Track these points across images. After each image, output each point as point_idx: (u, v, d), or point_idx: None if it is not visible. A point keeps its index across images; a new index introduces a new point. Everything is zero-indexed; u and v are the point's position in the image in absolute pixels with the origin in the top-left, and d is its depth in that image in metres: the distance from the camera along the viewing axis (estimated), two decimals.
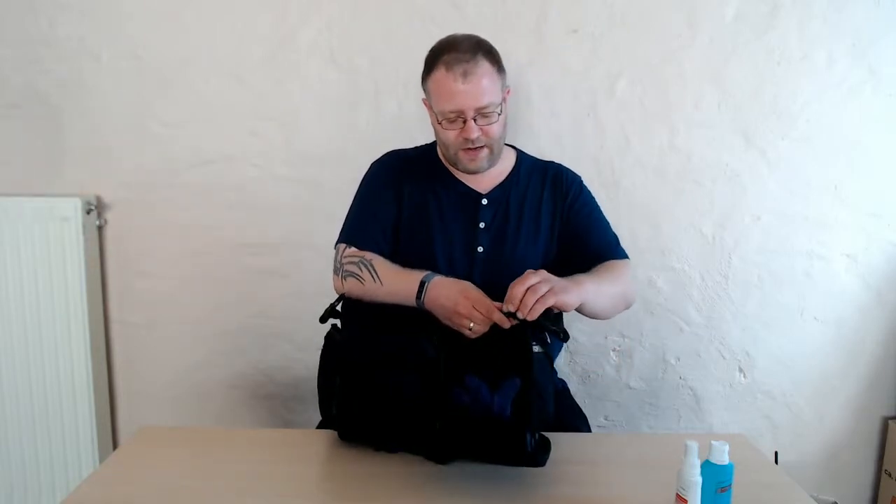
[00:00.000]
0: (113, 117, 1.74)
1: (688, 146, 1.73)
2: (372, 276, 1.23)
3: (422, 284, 1.17)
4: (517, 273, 1.29)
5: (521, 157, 1.43)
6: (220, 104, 1.73)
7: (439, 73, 1.25)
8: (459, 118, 1.25)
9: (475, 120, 1.25)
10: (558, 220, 1.38)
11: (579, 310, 1.19)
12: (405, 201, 1.35)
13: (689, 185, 1.75)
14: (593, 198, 1.44)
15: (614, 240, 1.41)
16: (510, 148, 1.43)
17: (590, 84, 1.70)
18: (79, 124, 1.74)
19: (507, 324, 1.06)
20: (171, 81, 1.72)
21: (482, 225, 1.34)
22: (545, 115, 1.72)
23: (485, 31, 1.34)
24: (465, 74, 1.22)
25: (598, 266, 1.31)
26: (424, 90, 1.33)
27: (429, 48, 1.67)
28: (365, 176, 1.42)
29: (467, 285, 1.14)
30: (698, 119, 1.71)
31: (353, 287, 1.26)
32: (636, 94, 1.70)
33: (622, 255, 1.39)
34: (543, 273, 1.09)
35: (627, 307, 1.36)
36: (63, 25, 1.70)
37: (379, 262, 1.25)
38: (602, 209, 1.74)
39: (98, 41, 1.70)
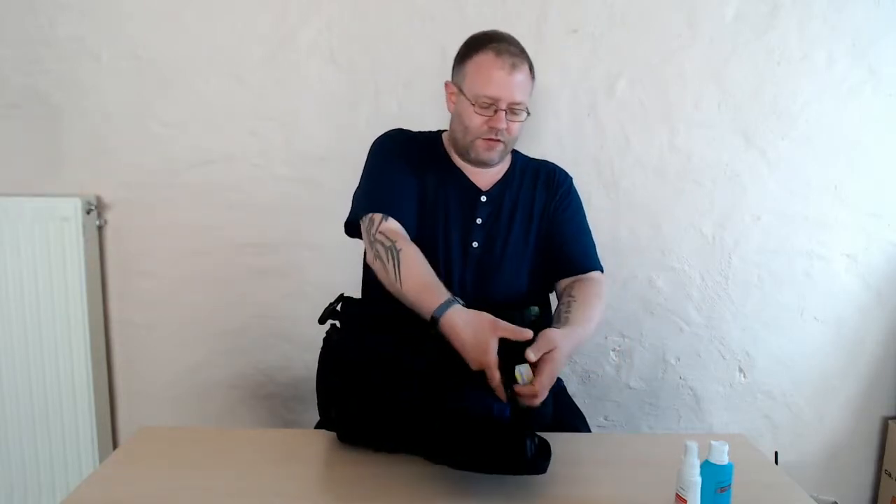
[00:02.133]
0: (113, 117, 1.74)
1: (688, 146, 1.73)
2: (395, 272, 1.18)
3: (434, 320, 1.10)
4: (507, 271, 1.30)
5: (516, 156, 1.44)
6: (220, 104, 1.73)
7: (487, 57, 1.25)
8: (492, 106, 1.26)
9: (505, 112, 1.26)
10: (546, 218, 1.38)
11: None
12: (420, 185, 1.33)
13: (689, 185, 1.75)
14: (580, 202, 1.44)
15: (592, 249, 1.40)
16: None
17: (590, 84, 1.70)
18: (79, 124, 1.74)
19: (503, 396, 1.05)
20: (171, 81, 1.72)
21: (479, 221, 1.35)
22: (545, 115, 1.72)
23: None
24: (513, 66, 1.25)
25: (578, 289, 1.29)
26: (459, 71, 1.31)
27: (429, 48, 1.68)
28: (377, 149, 1.38)
29: (486, 345, 1.04)
30: (698, 119, 1.71)
31: (378, 269, 1.23)
32: (636, 94, 1.70)
33: (597, 265, 1.38)
34: (563, 356, 1.08)
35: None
36: (63, 25, 1.70)
37: (407, 256, 1.19)
38: (601, 209, 1.75)
39: (98, 41, 1.70)
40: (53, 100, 1.73)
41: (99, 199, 1.76)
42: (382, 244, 1.22)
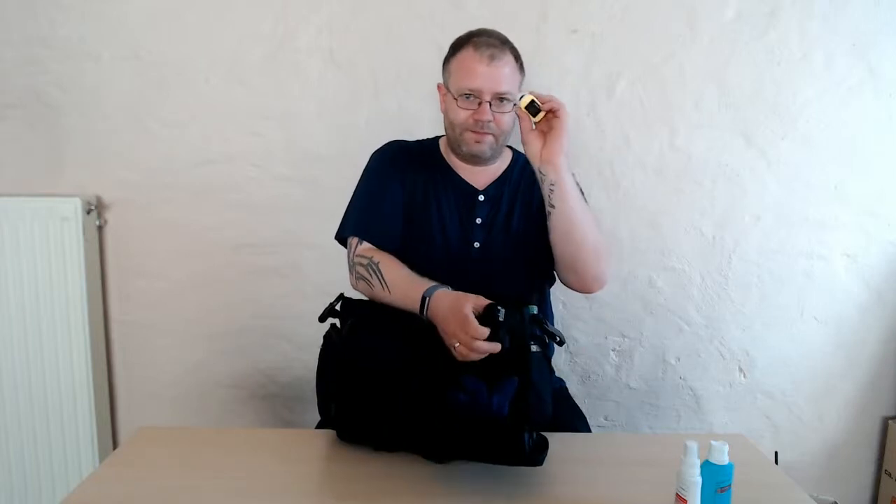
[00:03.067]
0: (113, 117, 1.74)
1: (688, 146, 1.73)
2: (380, 282, 1.23)
3: (423, 300, 1.14)
4: (510, 268, 1.31)
5: (516, 156, 1.44)
6: (220, 104, 1.72)
7: (467, 52, 1.28)
8: (476, 99, 1.27)
9: (490, 104, 1.27)
10: (543, 214, 1.38)
11: (554, 202, 1.23)
12: (408, 191, 1.36)
13: (689, 185, 1.75)
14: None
15: None
16: (508, 148, 1.44)
17: (590, 84, 1.70)
18: (79, 124, 1.74)
19: (492, 350, 1.03)
20: (171, 81, 1.72)
21: (479, 220, 1.35)
22: None
23: None
24: (491, 58, 1.26)
25: None
26: (445, 71, 1.35)
27: (428, 48, 1.68)
28: (369, 165, 1.42)
29: (460, 303, 1.06)
30: (698, 119, 1.71)
31: (363, 289, 1.28)
32: (636, 94, 1.70)
33: None
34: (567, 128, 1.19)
35: (598, 261, 1.30)
36: (63, 25, 1.70)
37: (387, 265, 1.24)
38: (601, 209, 1.74)
39: (98, 41, 1.70)
40: (53, 100, 1.73)
41: (99, 199, 1.76)
42: (361, 264, 1.27)
